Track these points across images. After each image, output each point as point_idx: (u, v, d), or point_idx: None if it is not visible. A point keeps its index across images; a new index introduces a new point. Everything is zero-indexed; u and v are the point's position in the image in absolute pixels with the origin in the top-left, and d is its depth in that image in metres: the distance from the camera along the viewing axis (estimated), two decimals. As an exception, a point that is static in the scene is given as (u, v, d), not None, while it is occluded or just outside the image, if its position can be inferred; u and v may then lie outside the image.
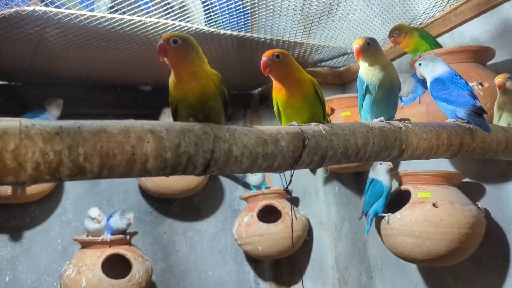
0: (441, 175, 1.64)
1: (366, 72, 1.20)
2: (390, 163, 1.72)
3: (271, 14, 1.73)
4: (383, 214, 1.68)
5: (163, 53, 0.96)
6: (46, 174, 0.71)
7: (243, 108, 2.75)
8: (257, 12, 1.71)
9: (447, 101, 1.27)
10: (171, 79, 0.99)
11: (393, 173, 1.75)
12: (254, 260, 2.59)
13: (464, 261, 1.65)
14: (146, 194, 2.42)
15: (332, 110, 2.04)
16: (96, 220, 1.94)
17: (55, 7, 1.44)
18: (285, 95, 1.11)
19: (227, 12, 1.68)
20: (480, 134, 1.25)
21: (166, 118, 2.26)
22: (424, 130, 1.17)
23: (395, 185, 1.79)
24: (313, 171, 1.31)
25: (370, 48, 1.20)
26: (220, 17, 1.71)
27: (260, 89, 2.70)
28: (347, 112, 2.01)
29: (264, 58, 1.09)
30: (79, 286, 1.82)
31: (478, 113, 1.25)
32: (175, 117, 1.02)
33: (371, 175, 1.76)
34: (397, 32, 1.67)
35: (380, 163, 1.72)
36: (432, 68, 1.33)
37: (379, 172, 1.73)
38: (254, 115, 2.74)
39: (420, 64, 1.36)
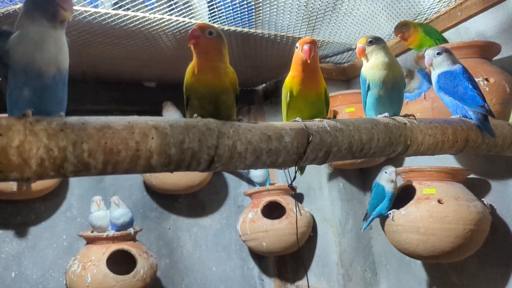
0: (446, 171, 1.64)
1: (368, 71, 1.20)
2: (393, 178, 1.71)
3: (275, 10, 1.72)
4: (388, 213, 1.67)
5: (195, 40, 0.96)
6: (51, 170, 0.71)
7: (247, 104, 2.75)
8: (261, 8, 1.70)
9: (455, 96, 1.25)
10: (190, 68, 0.99)
11: (398, 169, 1.75)
12: (259, 256, 2.59)
13: (469, 258, 1.64)
14: (150, 190, 2.43)
15: (335, 112, 2.03)
16: (96, 204, 1.99)
17: (59, 3, 1.44)
18: (303, 86, 1.11)
19: (231, 8, 1.68)
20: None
21: (166, 112, 2.25)
22: (429, 126, 1.16)
23: (399, 182, 1.78)
24: (301, 171, 1.30)
25: (372, 47, 1.20)
26: (224, 13, 1.71)
27: (264, 85, 2.69)
28: (352, 108, 2.00)
29: (309, 44, 1.07)
30: (84, 281, 1.83)
31: (485, 116, 1.24)
32: (187, 105, 1.03)
33: (376, 179, 1.76)
34: (405, 28, 1.66)
35: (385, 172, 1.72)
36: (447, 61, 1.31)
37: (382, 178, 1.72)
38: (258, 111, 2.74)
39: (439, 53, 1.30)
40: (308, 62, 1.08)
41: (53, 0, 0.80)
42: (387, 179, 1.71)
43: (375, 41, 1.21)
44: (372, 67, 1.19)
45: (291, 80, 1.13)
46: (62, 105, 0.83)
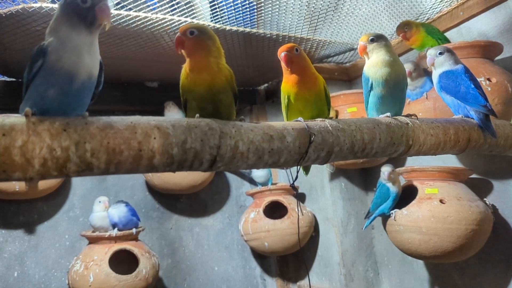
0: (448, 171, 1.63)
1: (370, 69, 1.20)
2: (386, 177, 1.71)
3: (277, 9, 1.72)
4: (390, 212, 1.67)
5: (181, 45, 0.97)
6: (54, 170, 0.71)
7: (249, 104, 2.75)
8: (263, 7, 1.71)
9: (457, 95, 1.26)
10: (183, 69, 1.00)
11: (400, 169, 1.75)
12: (261, 256, 2.59)
13: (471, 258, 1.64)
14: (152, 190, 2.43)
15: (336, 112, 2.04)
16: (104, 205, 1.99)
17: (62, 3, 1.45)
18: (300, 88, 1.11)
19: (233, 8, 1.68)
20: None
21: (168, 112, 2.26)
22: (431, 126, 1.16)
23: (401, 182, 1.78)
24: (306, 171, 1.30)
25: (373, 45, 1.20)
26: (226, 13, 1.71)
27: (266, 85, 2.70)
28: (354, 108, 2.00)
29: (284, 52, 1.09)
30: (86, 281, 1.83)
31: (487, 116, 1.24)
32: (185, 109, 1.03)
33: (380, 179, 1.76)
34: (407, 27, 1.66)
35: (380, 170, 1.73)
36: (448, 61, 1.30)
37: (393, 178, 1.72)
38: (260, 111, 2.74)
39: (441, 53, 1.30)
40: (288, 70, 1.11)
41: (92, 7, 0.81)
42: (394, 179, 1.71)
43: (377, 38, 1.20)
44: (373, 65, 1.19)
45: (287, 84, 1.13)
46: (83, 108, 0.84)
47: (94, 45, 0.83)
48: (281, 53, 1.10)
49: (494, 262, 1.66)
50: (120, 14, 1.54)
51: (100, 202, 2.01)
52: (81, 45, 0.80)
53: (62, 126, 0.72)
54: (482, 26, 1.71)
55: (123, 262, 1.97)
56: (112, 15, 1.53)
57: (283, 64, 1.12)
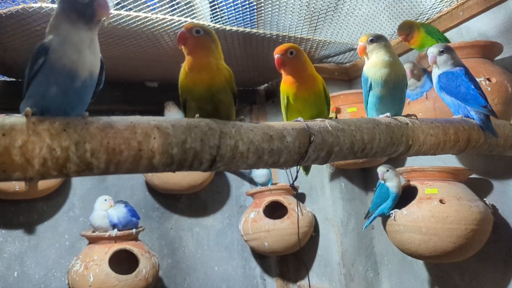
0: (448, 171, 1.63)
1: (370, 69, 1.20)
2: (381, 177, 1.71)
3: (277, 9, 1.72)
4: (390, 212, 1.67)
5: (183, 41, 0.98)
6: (54, 170, 0.71)
7: (249, 104, 2.75)
8: (263, 7, 1.71)
9: (457, 96, 1.26)
10: (182, 69, 1.00)
11: (400, 169, 1.75)
12: (260, 256, 2.59)
13: (471, 258, 1.64)
14: (152, 190, 2.43)
15: (338, 109, 2.03)
16: (109, 204, 2.01)
17: (62, 3, 1.45)
18: (298, 88, 1.12)
19: (233, 8, 1.68)
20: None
21: (168, 112, 2.27)
22: (431, 126, 1.16)
23: (402, 183, 1.78)
24: (306, 171, 1.31)
25: (373, 45, 1.20)
26: (226, 13, 1.71)
27: (266, 85, 2.70)
28: (354, 108, 2.00)
29: (277, 55, 1.10)
30: (86, 281, 1.83)
31: (487, 116, 1.24)
32: (185, 109, 1.03)
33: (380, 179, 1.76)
34: (410, 29, 1.65)
35: (379, 171, 1.73)
36: (449, 61, 1.30)
37: (386, 178, 1.72)
38: (260, 111, 2.74)
39: (442, 51, 1.29)
40: (280, 71, 1.12)
41: (91, 3, 0.81)
42: (391, 179, 1.71)
43: (376, 39, 1.20)
44: (373, 65, 1.19)
45: (286, 84, 1.14)
46: (83, 107, 0.84)
47: (94, 42, 0.83)
48: (275, 56, 1.11)
49: (494, 262, 1.66)
50: (120, 14, 1.54)
51: (105, 200, 2.01)
52: (81, 42, 0.80)
53: (62, 126, 0.72)
54: (482, 26, 1.71)
55: (123, 262, 1.97)
56: (112, 15, 1.53)
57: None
